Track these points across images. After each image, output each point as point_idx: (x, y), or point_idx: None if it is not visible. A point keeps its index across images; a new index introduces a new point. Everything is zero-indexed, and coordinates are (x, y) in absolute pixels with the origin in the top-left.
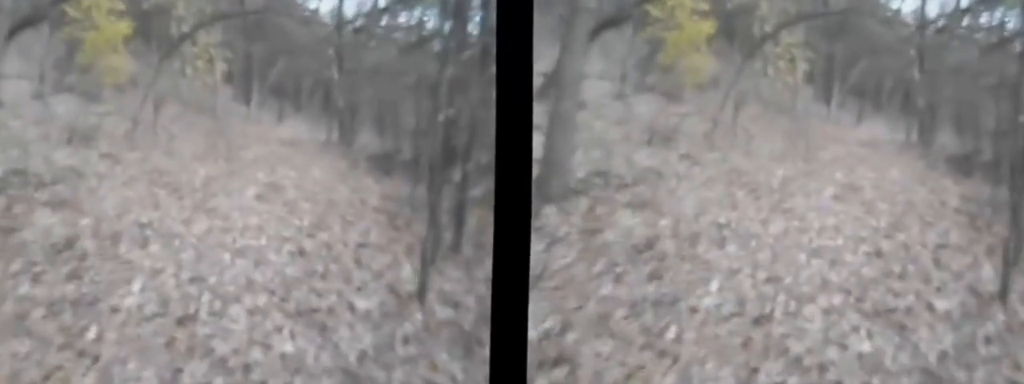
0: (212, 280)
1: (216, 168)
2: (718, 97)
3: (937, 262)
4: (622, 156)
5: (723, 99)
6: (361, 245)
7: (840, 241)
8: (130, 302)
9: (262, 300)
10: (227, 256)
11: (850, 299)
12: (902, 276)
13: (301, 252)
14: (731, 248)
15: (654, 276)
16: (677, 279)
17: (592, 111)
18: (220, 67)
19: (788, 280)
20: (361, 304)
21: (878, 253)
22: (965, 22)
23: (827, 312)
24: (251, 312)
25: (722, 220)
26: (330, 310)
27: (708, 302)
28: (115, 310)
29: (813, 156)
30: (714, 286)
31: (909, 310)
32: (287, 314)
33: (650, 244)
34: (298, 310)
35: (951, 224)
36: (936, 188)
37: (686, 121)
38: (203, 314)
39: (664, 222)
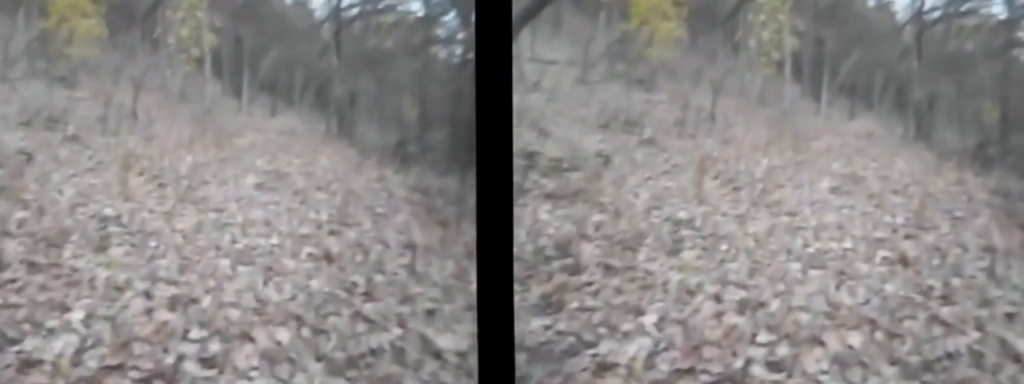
0: (205, 300)
1: (206, 155)
2: (690, 77)
3: (991, 274)
4: (565, 139)
5: (695, 78)
6: (406, 247)
7: (847, 243)
8: (62, 345)
9: (285, 336)
10: (225, 262)
11: (877, 337)
12: (947, 296)
13: (327, 256)
14: (689, 255)
15: (550, 301)
16: (591, 305)
17: (546, 92)
18: (208, 39)
19: (775, 305)
20: (445, 342)
21: (903, 260)
22: (964, 8)
23: (842, 363)
24: (271, 359)
25: (683, 215)
26: (398, 353)
27: (636, 349)
28: (31, 362)
29: (804, 146)
30: (651, 317)
31: (979, 358)
32: (333, 366)
33: (562, 247)
34: (349, 356)
35: (989, 222)
36: (955, 180)
37: (657, 107)
38: (191, 365)
39: (596, 218)
